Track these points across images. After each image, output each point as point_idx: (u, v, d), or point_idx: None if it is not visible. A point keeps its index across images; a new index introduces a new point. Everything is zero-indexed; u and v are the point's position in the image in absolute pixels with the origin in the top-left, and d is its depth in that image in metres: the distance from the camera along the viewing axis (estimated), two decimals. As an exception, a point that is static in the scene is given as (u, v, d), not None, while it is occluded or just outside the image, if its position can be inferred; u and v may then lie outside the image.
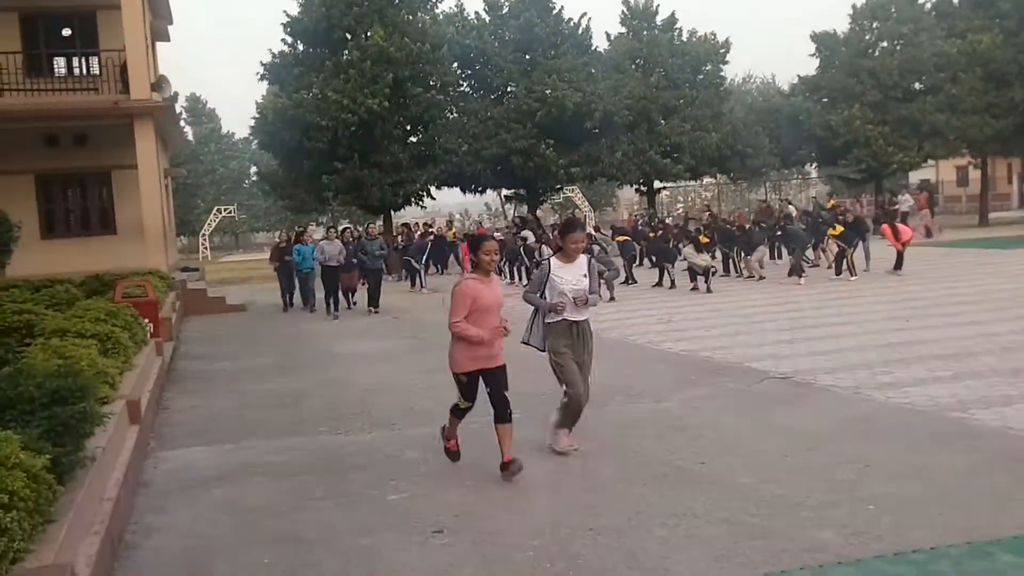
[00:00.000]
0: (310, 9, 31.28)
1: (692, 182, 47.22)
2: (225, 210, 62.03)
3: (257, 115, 32.53)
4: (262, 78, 32.45)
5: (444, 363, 6.45)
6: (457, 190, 37.83)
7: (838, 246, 19.08)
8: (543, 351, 6.71)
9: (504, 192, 51.84)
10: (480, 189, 36.27)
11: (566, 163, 33.18)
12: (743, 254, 20.39)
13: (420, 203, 34.86)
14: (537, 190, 35.91)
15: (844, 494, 5.29)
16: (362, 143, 31.18)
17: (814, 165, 41.96)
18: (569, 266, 6.56)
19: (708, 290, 17.95)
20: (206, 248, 59.88)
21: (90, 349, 7.56)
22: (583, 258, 6.67)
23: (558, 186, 34.28)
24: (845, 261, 18.80)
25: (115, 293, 11.58)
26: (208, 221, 61.11)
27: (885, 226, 19.79)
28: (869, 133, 35.82)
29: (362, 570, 4.70)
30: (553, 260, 6.71)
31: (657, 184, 38.57)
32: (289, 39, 32.28)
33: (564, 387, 6.58)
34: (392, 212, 34.97)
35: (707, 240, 19.40)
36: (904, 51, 36.37)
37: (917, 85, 37.32)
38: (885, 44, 37.70)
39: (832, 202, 31.81)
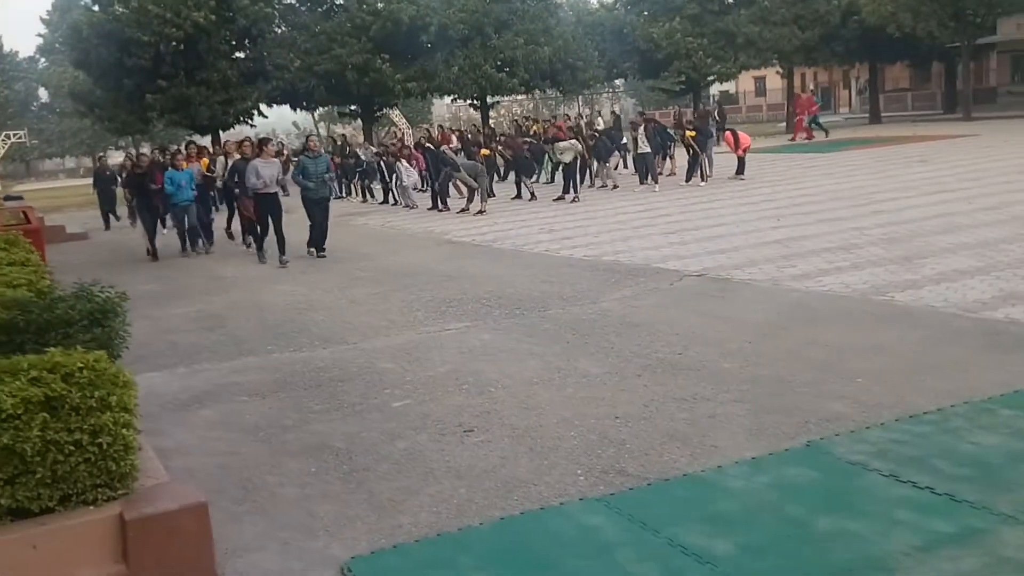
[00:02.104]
0: (120, -87, 28.71)
1: (522, 96, 47.65)
2: (14, 135, 56.70)
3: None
4: (70, -11, 29.62)
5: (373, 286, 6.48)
6: (287, 108, 36.59)
7: (692, 150, 20.05)
8: None
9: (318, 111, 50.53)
10: (312, 106, 35.13)
11: (402, 78, 32.69)
12: (598, 161, 21.05)
13: (250, 122, 33.41)
14: (372, 107, 35.22)
15: (827, 372, 5.88)
16: (187, 59, 29.46)
17: (637, 77, 43.31)
18: None
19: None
20: (-4, 177, 54.78)
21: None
22: None
23: (394, 102, 33.74)
24: (699, 166, 19.87)
25: (-10, 223, 10.58)
26: (-5, 148, 55.75)
27: (728, 133, 20.99)
28: (689, 45, 37.44)
29: (418, 469, 4.83)
30: None
31: (490, 99, 38.77)
32: (96, -54, 29.57)
33: None
34: (221, 132, 33.32)
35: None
36: (719, -37, 38.02)
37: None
38: (701, -44, 39.20)
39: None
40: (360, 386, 6.55)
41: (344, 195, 24.52)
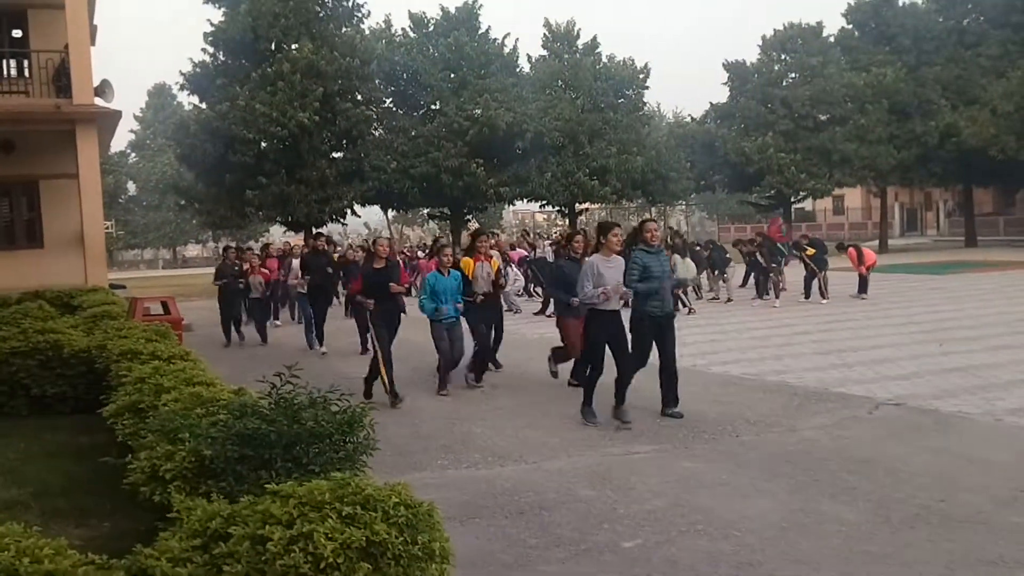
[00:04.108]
0: (235, 19, 29.75)
1: (596, 206, 47.65)
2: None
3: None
4: (181, 88, 30.61)
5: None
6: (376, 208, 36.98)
7: (808, 268, 19.29)
8: None
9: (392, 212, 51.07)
10: (405, 207, 35.38)
11: (496, 183, 32.75)
12: (716, 273, 20.41)
13: (343, 220, 33.71)
14: (462, 210, 35.32)
15: None
16: (288, 158, 29.88)
17: (726, 191, 43.04)
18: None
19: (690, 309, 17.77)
20: (86, 266, 56.18)
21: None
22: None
23: (485, 205, 33.75)
24: (817, 283, 19.06)
25: (134, 311, 10.24)
26: (88, 238, 57.40)
27: (851, 250, 20.20)
28: (781, 161, 37.06)
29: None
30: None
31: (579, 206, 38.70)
32: (210, 49, 30.59)
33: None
34: (313, 228, 33.63)
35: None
36: (814, 82, 37.87)
37: (822, 116, 38.98)
38: (795, 75, 39.20)
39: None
40: (569, 517, 5.74)
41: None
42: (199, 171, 31.25)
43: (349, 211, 32.90)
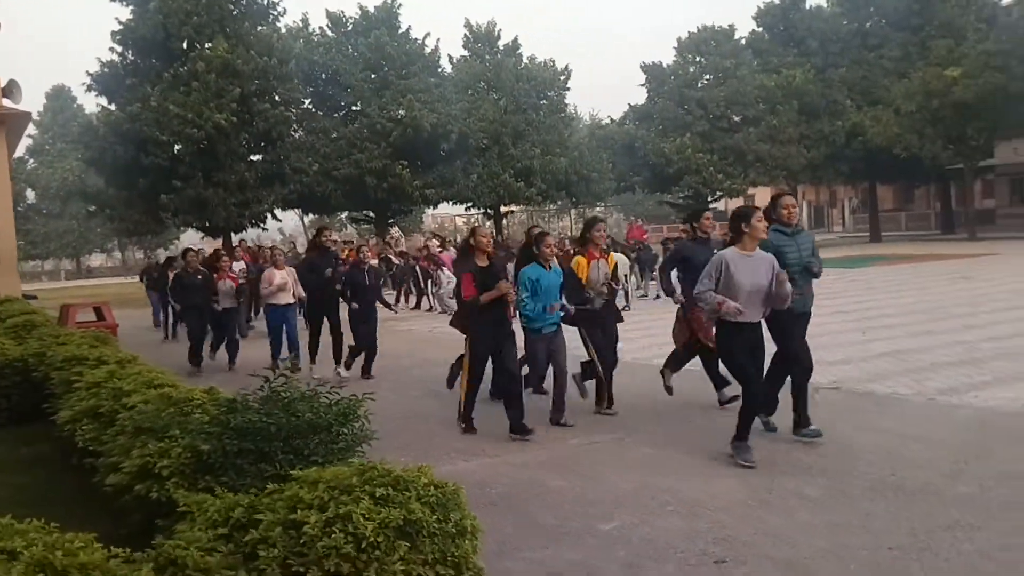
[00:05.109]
0: (144, 17, 28.90)
1: (518, 208, 47.97)
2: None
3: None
4: (88, 89, 29.54)
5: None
6: (292, 213, 36.42)
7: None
8: None
9: (309, 215, 50.38)
10: (328, 210, 34.97)
11: (421, 184, 32.68)
12: (644, 270, 20.85)
13: (263, 225, 33.10)
14: (387, 213, 35.11)
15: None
16: (205, 161, 29.19)
17: (646, 191, 43.88)
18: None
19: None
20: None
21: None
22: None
23: (410, 208, 33.62)
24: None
25: (66, 318, 9.92)
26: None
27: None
28: (700, 161, 37.99)
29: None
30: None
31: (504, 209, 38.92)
32: (119, 48, 29.65)
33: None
34: (233, 234, 32.91)
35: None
36: (728, 84, 38.94)
37: (736, 117, 40.12)
38: (709, 77, 40.24)
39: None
40: (543, 505, 5.86)
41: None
42: (109, 175, 30.26)
43: (270, 215, 32.36)
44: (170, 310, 16.98)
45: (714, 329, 6.82)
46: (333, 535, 2.71)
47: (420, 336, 16.66)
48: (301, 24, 35.20)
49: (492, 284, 7.83)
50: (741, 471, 6.33)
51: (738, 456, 6.42)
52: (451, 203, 38.31)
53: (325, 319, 11.82)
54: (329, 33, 34.74)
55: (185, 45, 29.58)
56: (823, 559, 4.67)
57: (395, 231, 31.49)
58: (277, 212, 33.46)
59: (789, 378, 7.25)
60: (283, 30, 33.37)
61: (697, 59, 40.46)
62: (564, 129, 37.82)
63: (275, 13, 32.23)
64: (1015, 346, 10.76)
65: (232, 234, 32.45)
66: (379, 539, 2.72)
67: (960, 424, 7.34)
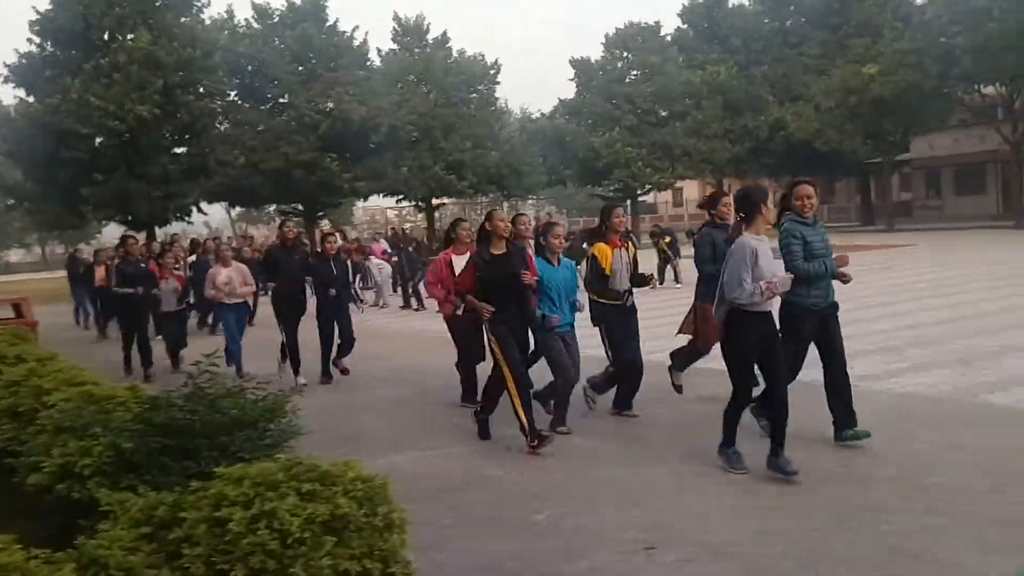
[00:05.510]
0: (64, 7, 27.97)
1: (450, 200, 47.92)
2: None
3: None
4: (6, 80, 28.49)
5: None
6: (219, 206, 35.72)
7: (663, 256, 20.24)
8: None
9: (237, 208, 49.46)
10: (256, 204, 34.38)
11: (351, 177, 32.35)
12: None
13: (188, 219, 32.36)
14: (315, 206, 34.67)
15: (1004, 475, 5.54)
16: (127, 153, 28.44)
17: (576, 184, 44.24)
18: None
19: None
20: None
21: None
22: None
23: (339, 201, 33.28)
24: (671, 269, 20.03)
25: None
26: None
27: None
28: (628, 155, 38.44)
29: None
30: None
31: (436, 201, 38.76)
32: (37, 39, 28.65)
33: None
34: (157, 228, 32.12)
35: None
36: (655, 79, 39.47)
37: (663, 112, 40.72)
38: (636, 72, 40.72)
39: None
40: (480, 497, 5.86)
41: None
42: (27, 168, 29.28)
43: (195, 208, 31.68)
44: (99, 306, 16.35)
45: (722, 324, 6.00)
46: (258, 532, 2.66)
47: (358, 330, 16.47)
48: (226, 16, 34.56)
49: (504, 275, 6.91)
50: (672, 460, 6.41)
51: (729, 465, 5.98)
52: (382, 196, 38.00)
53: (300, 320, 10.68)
54: (255, 25, 34.15)
55: (106, 36, 28.85)
56: (751, 543, 4.77)
57: (325, 224, 31.17)
58: (203, 205, 32.79)
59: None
60: (207, 21, 32.68)
61: (624, 55, 40.92)
62: (495, 123, 37.88)
63: (199, 4, 31.56)
64: (932, 334, 11.13)
65: (156, 228, 31.73)
66: (305, 535, 2.68)
67: (880, 409, 7.56)
